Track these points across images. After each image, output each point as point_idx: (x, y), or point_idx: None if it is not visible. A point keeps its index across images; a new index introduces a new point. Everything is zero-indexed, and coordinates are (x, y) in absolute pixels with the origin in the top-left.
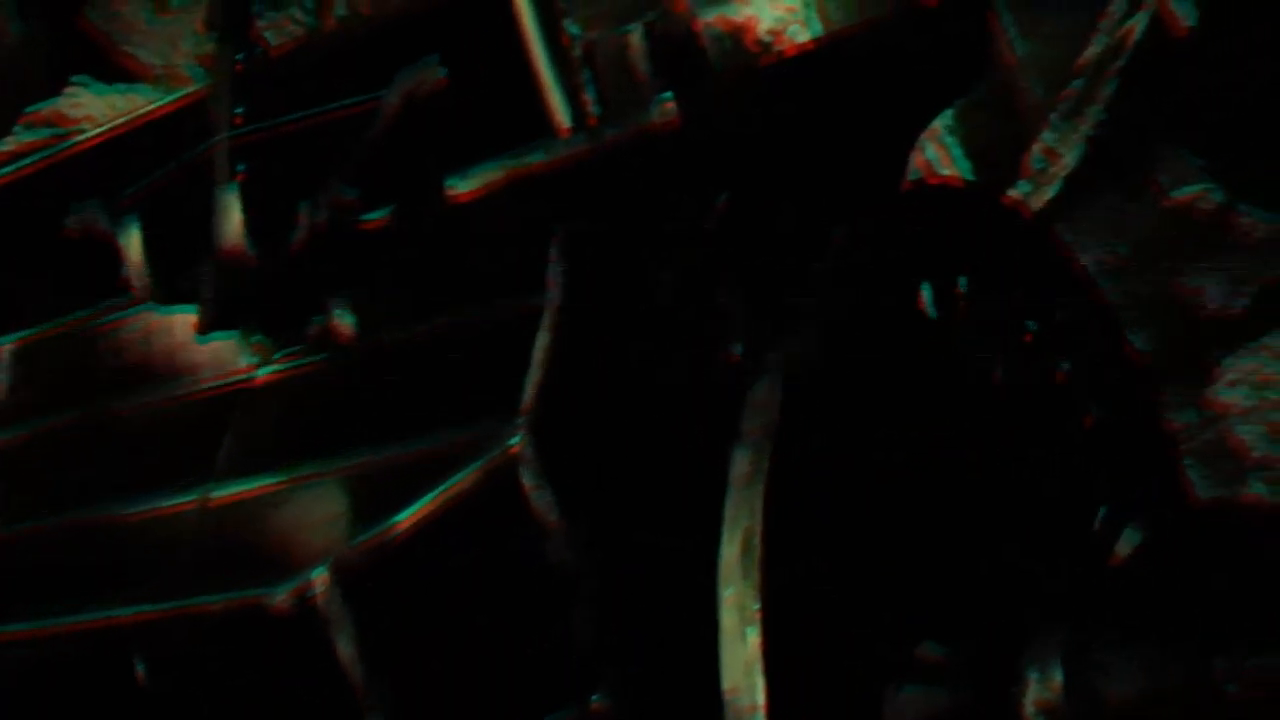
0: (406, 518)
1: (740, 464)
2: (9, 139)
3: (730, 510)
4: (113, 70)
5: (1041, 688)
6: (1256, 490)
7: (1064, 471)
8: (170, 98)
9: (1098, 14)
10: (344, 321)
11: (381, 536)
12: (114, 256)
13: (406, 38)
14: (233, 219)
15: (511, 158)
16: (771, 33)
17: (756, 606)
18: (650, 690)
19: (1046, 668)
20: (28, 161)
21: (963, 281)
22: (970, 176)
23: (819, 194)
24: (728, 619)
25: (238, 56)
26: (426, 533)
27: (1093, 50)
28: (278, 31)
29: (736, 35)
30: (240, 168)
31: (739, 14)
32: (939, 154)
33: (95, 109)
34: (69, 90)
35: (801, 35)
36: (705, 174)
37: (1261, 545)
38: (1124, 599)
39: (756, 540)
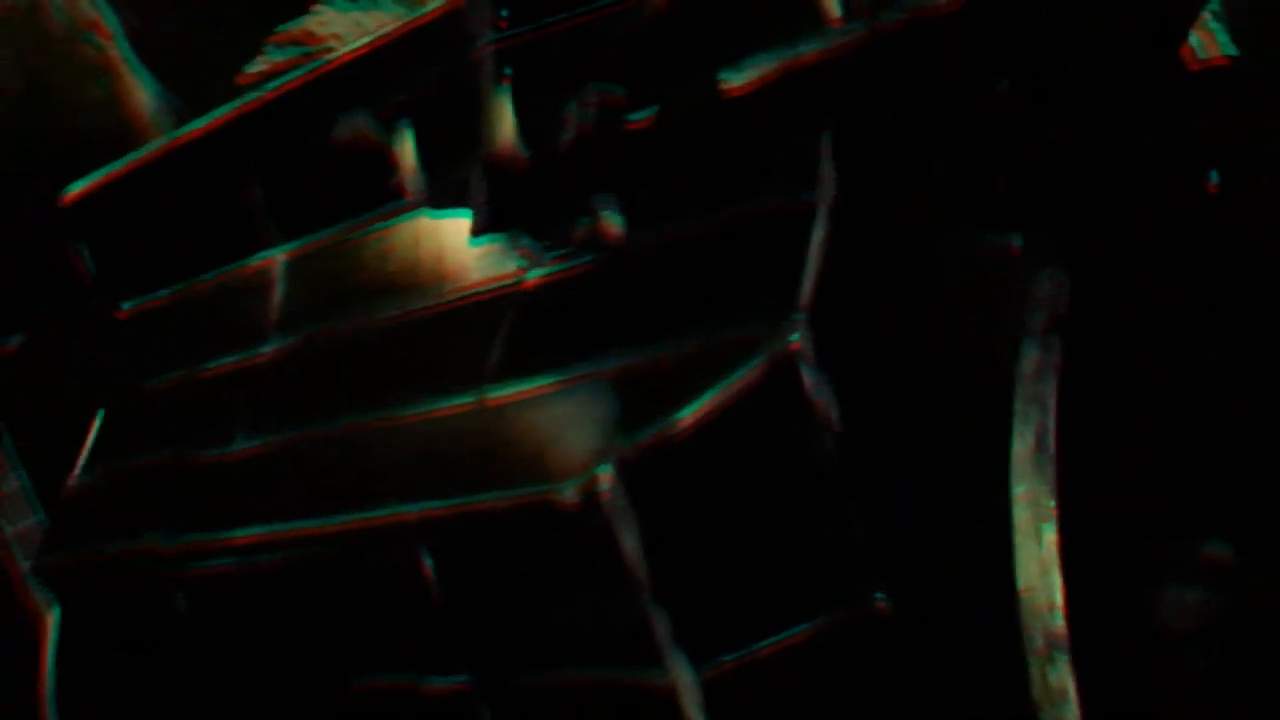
0: (689, 414)
1: (1029, 359)
2: (260, 59)
3: (1020, 406)
4: None
5: None
6: None
7: None
8: (428, 6)
9: None
10: (612, 222)
11: (664, 433)
12: (385, 164)
13: None
14: (503, 122)
15: (786, 48)
16: None
17: (1052, 503)
18: (936, 589)
19: None
20: (289, 78)
21: (1246, 172)
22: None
23: (1097, 81)
24: (1021, 516)
25: None
26: (708, 429)
27: None
28: None
29: None
30: (507, 70)
31: None
32: (1204, 40)
33: (341, 26)
34: (315, 9)
35: None
36: (984, 59)
37: None
38: None
39: (1050, 436)
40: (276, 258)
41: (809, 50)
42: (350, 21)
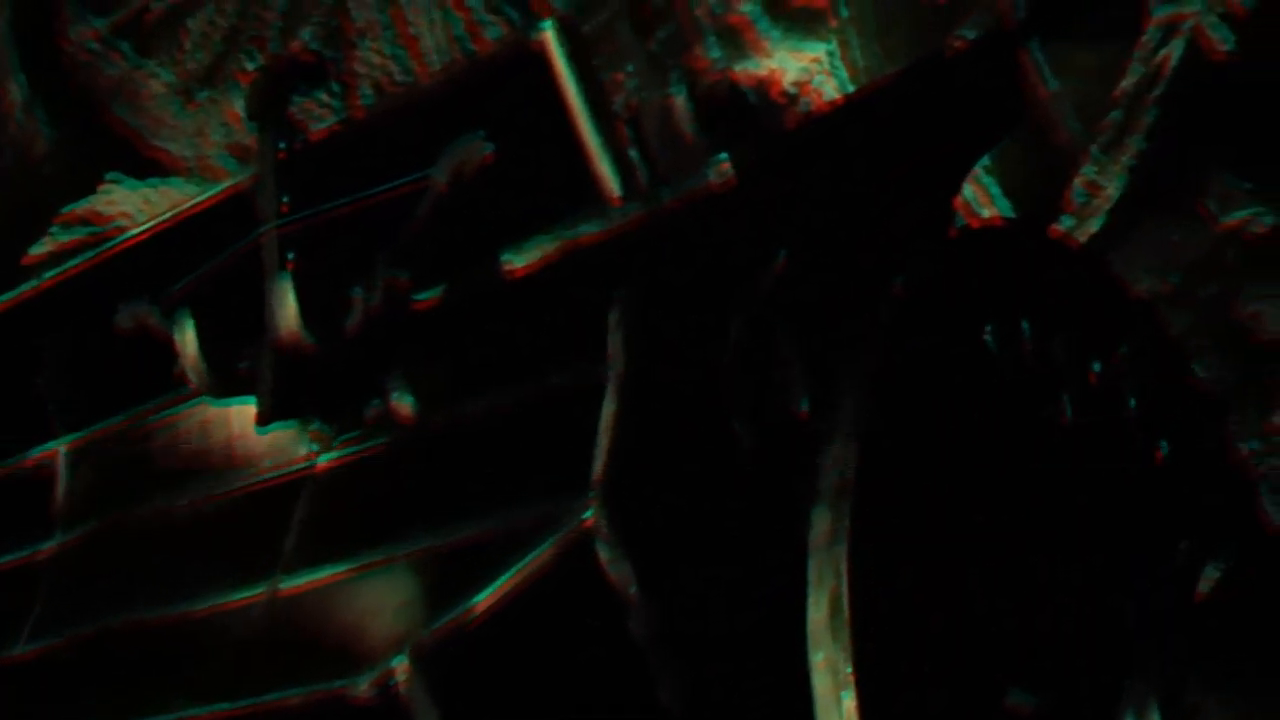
0: (483, 599)
1: (820, 524)
2: (46, 240)
3: (814, 573)
4: (144, 165)
5: None
6: None
7: (1139, 511)
8: (212, 190)
9: (1132, 43)
10: (403, 403)
11: (459, 619)
12: (167, 352)
13: (450, 114)
14: (287, 307)
15: (566, 229)
16: (796, 85)
17: (849, 669)
18: None
19: (1143, 713)
20: (74, 262)
21: (1025, 324)
22: (1010, 214)
23: (876, 245)
24: (820, 684)
25: (280, 144)
26: (504, 613)
27: (1129, 80)
28: (308, 117)
29: (761, 89)
30: (290, 255)
31: (762, 68)
32: (977, 194)
33: (129, 205)
34: (102, 188)
35: (827, 85)
36: (761, 232)
37: None
38: (1212, 636)
39: (844, 601)
40: (59, 449)
41: (589, 231)
42: (139, 199)
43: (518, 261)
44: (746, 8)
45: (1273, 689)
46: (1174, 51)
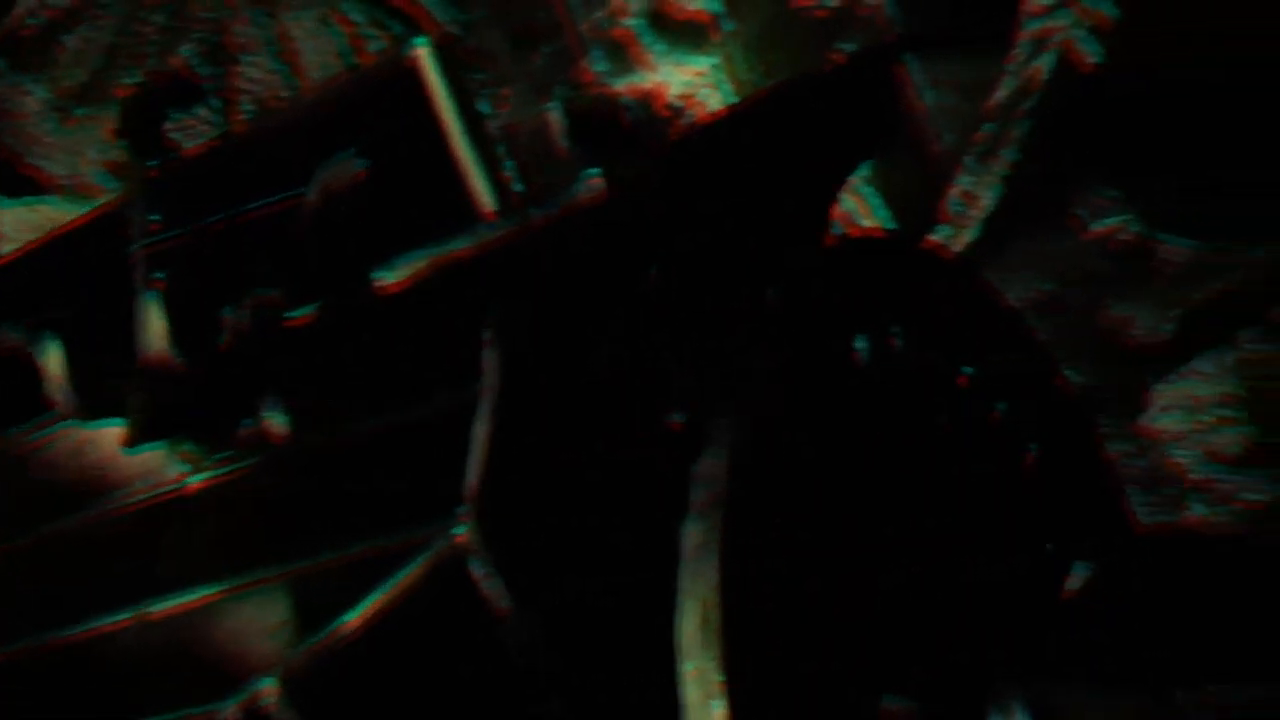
0: (354, 618)
1: (692, 536)
2: None
3: (685, 583)
4: (20, 183)
5: None
6: (1197, 512)
7: (1009, 513)
8: (83, 209)
9: (1004, 57)
10: (276, 422)
11: (329, 639)
12: (35, 374)
13: (323, 132)
14: (155, 327)
15: (438, 246)
16: (681, 98)
17: (719, 678)
18: None
19: (1010, 713)
20: None
21: (897, 331)
22: (890, 225)
23: (750, 256)
24: (691, 693)
25: (150, 162)
26: (376, 631)
27: (1002, 92)
28: (188, 133)
29: (646, 103)
30: (160, 274)
31: (647, 81)
32: (857, 204)
33: (4, 223)
34: None
35: (712, 98)
36: (634, 245)
37: (1207, 567)
38: (1080, 635)
39: (714, 612)
40: None
41: (461, 247)
42: (14, 218)
43: (389, 279)
44: (631, 22)
45: (1139, 688)
46: (1045, 64)
